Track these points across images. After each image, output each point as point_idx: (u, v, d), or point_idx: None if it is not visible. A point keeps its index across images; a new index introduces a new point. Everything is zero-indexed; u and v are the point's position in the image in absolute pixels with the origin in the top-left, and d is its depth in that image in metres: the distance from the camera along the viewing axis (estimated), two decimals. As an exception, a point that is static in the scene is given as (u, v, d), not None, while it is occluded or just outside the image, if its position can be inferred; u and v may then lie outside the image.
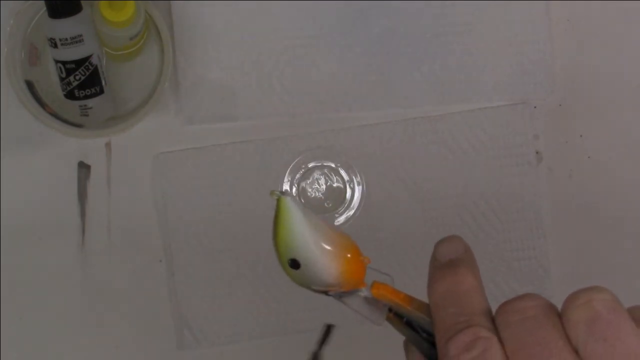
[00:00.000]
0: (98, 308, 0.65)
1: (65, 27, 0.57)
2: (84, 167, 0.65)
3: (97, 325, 0.65)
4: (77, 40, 0.57)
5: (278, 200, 0.39)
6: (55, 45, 0.57)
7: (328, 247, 0.40)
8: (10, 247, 0.64)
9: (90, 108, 0.60)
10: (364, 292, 0.42)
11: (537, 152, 0.67)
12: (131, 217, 0.65)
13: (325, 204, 0.66)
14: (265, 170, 0.65)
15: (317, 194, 0.66)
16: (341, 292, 0.42)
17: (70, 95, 0.60)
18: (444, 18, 0.65)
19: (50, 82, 0.62)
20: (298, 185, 0.65)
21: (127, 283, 0.65)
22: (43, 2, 0.56)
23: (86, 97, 0.60)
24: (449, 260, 0.42)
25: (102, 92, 0.60)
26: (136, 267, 0.65)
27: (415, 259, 0.66)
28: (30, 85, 0.61)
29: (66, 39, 0.57)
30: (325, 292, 0.42)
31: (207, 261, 0.65)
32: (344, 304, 0.42)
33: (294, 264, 0.40)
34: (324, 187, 0.66)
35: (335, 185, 0.66)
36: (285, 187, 0.65)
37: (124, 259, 0.65)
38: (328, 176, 0.66)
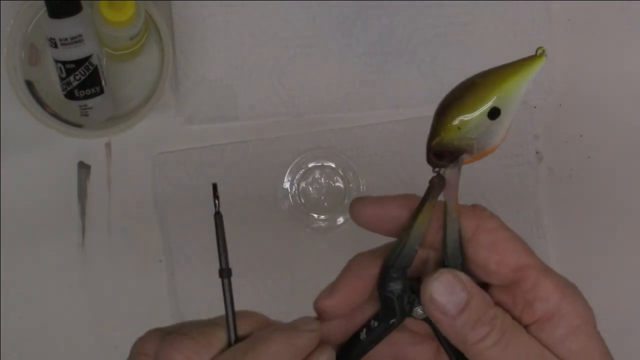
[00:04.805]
0: (98, 308, 0.65)
1: (65, 27, 0.57)
2: (84, 167, 0.65)
3: (97, 325, 0.65)
4: (77, 40, 0.57)
5: (540, 56, 0.38)
6: (55, 45, 0.57)
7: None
8: (10, 247, 0.64)
9: (90, 108, 0.60)
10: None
11: (537, 152, 0.67)
12: (131, 217, 0.65)
13: (325, 204, 0.66)
14: (265, 170, 0.65)
15: (317, 194, 0.66)
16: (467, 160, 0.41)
17: (70, 95, 0.60)
18: (444, 18, 0.65)
19: (50, 82, 0.62)
20: (298, 185, 0.65)
21: (127, 283, 0.65)
22: (43, 2, 0.56)
23: (86, 97, 0.60)
24: None
25: (102, 92, 0.60)
26: (136, 267, 0.65)
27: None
28: (30, 85, 0.61)
29: (66, 39, 0.57)
30: (454, 157, 0.40)
31: (207, 261, 0.65)
32: (451, 179, 0.40)
33: (494, 114, 0.38)
34: (324, 187, 0.66)
35: (335, 185, 0.66)
36: (285, 187, 0.65)
37: (124, 259, 0.65)
38: (328, 176, 0.66)
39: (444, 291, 0.38)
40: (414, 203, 0.41)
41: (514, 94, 0.38)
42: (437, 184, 0.40)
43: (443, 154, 0.40)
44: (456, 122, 0.39)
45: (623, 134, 0.67)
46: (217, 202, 0.45)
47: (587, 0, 0.67)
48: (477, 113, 0.38)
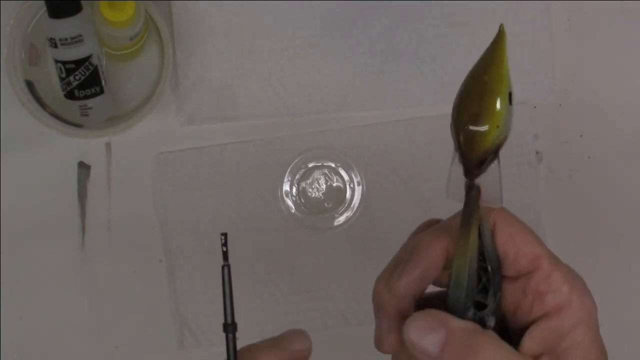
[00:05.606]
0: (98, 308, 0.65)
1: (65, 27, 0.57)
2: (84, 167, 0.65)
3: (97, 325, 0.65)
4: (77, 40, 0.57)
5: (503, 31, 0.39)
6: (55, 45, 0.57)
7: None
8: (10, 247, 0.64)
9: (90, 108, 0.60)
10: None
11: (537, 152, 0.67)
12: (131, 217, 0.65)
13: (325, 204, 0.66)
14: (265, 170, 0.65)
15: (317, 194, 0.66)
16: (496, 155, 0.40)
17: (70, 95, 0.60)
18: (444, 18, 0.65)
19: (50, 82, 0.62)
20: (298, 185, 0.65)
21: (127, 283, 0.65)
22: (43, 2, 0.56)
23: (86, 97, 0.60)
24: None
25: (102, 92, 0.60)
26: (136, 267, 0.65)
27: (415, 259, 0.66)
28: (30, 85, 0.61)
29: (66, 39, 0.57)
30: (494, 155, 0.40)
31: (207, 261, 0.65)
32: (482, 181, 0.40)
33: (511, 97, 0.39)
34: (324, 187, 0.66)
35: (335, 185, 0.66)
36: (286, 187, 0.65)
37: (124, 259, 0.65)
38: (328, 176, 0.66)
39: (422, 333, 0.39)
40: (445, 234, 0.41)
41: (508, 73, 0.39)
42: (474, 196, 0.40)
43: (484, 160, 0.40)
44: (493, 122, 0.39)
45: (623, 134, 0.67)
46: (225, 252, 0.41)
47: (587, 0, 0.67)
48: (504, 104, 0.39)
